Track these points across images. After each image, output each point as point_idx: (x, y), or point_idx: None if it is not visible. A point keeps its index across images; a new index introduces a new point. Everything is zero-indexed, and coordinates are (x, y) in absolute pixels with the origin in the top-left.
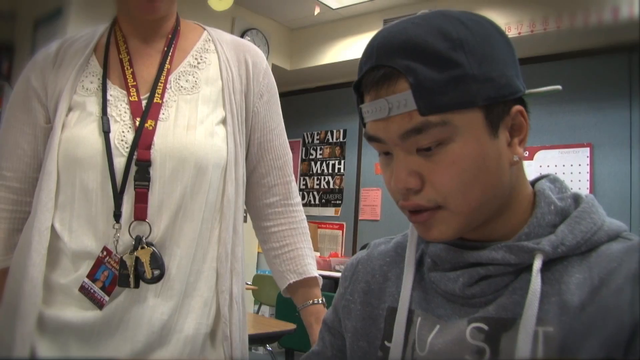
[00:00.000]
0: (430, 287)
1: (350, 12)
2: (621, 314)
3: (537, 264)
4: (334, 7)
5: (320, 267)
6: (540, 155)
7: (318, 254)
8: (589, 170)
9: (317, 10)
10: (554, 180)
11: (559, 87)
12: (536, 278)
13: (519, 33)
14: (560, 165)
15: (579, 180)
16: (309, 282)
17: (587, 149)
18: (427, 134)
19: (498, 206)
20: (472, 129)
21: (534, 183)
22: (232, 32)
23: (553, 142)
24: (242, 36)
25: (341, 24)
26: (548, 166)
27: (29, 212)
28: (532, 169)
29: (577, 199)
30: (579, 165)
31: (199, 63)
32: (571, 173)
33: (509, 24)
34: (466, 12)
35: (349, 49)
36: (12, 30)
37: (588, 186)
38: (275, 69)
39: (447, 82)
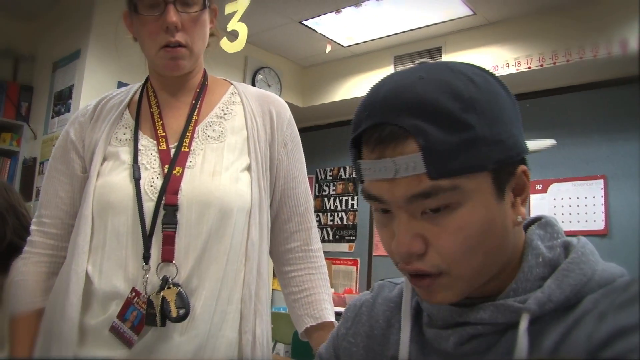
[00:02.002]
0: (427, 343)
1: (361, 50)
2: (579, 350)
3: (523, 324)
4: (345, 45)
5: (335, 304)
6: (554, 188)
7: (333, 290)
8: (603, 202)
9: (328, 48)
10: (545, 225)
11: (553, 141)
12: (522, 338)
13: (529, 67)
14: (575, 198)
15: (594, 213)
16: (326, 326)
17: (601, 181)
18: (435, 198)
19: (500, 267)
20: (481, 193)
21: (526, 228)
22: (244, 71)
23: (566, 174)
24: (254, 74)
25: (352, 61)
26: (562, 199)
27: (64, 257)
28: (545, 201)
29: (567, 247)
30: (594, 197)
31: (225, 114)
32: (585, 205)
33: (519, 59)
34: (471, 65)
35: (361, 86)
36: (32, 72)
37: (603, 218)
38: (288, 107)
39: (458, 145)
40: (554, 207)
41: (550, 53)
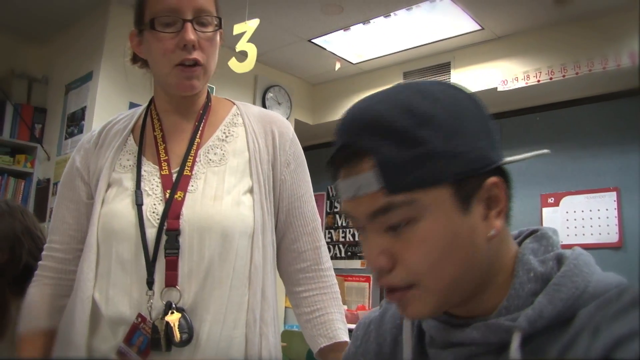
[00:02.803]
0: None
1: (370, 66)
2: None
3: (515, 344)
4: (354, 62)
5: (348, 320)
6: (566, 201)
7: (345, 307)
8: (617, 214)
9: (337, 66)
10: (540, 237)
11: (547, 151)
12: (514, 358)
13: (538, 81)
14: (587, 211)
15: (607, 225)
16: (340, 346)
17: (614, 193)
18: (394, 214)
19: (478, 281)
20: (441, 205)
21: (522, 240)
22: (254, 89)
23: (579, 187)
24: (265, 93)
25: (362, 78)
26: (575, 212)
27: (73, 280)
28: (558, 215)
29: (560, 259)
30: (607, 210)
31: (227, 137)
32: (599, 218)
33: (528, 72)
34: (442, 83)
35: None
36: (45, 94)
37: (617, 231)
38: (298, 124)
39: (411, 161)
40: (567, 220)
41: (559, 66)
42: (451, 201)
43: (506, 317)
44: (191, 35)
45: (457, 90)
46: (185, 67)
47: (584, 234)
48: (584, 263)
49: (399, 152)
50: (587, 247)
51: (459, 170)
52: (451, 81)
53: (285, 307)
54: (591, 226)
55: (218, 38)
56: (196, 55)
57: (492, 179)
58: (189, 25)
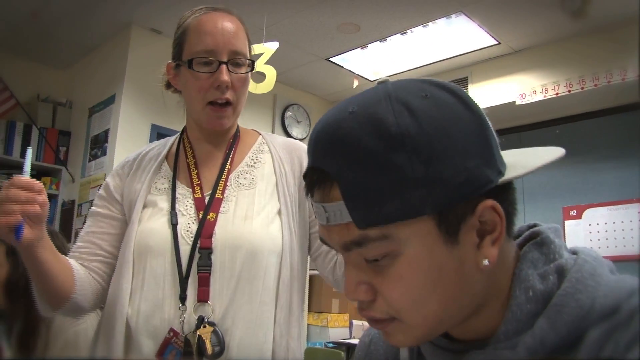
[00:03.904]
0: None
1: None
2: None
3: None
4: (371, 79)
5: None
6: (588, 213)
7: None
8: None
9: (355, 83)
10: (540, 244)
11: (561, 150)
12: None
13: (557, 94)
14: (611, 223)
15: (632, 237)
16: None
17: (637, 205)
18: (369, 248)
19: (470, 309)
20: (422, 239)
21: (522, 245)
22: (273, 108)
23: (601, 199)
24: (284, 112)
25: None
26: (598, 224)
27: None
28: (580, 227)
29: (561, 272)
30: (630, 221)
31: (255, 163)
32: (622, 230)
33: (546, 85)
34: (427, 84)
35: None
36: (69, 117)
37: None
38: None
39: (384, 190)
40: (590, 232)
41: (577, 78)
42: (435, 233)
43: (505, 343)
44: (226, 76)
45: (447, 93)
46: (217, 106)
47: (607, 247)
48: (589, 274)
49: (369, 180)
50: (612, 260)
51: (442, 199)
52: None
53: (308, 324)
54: (615, 238)
55: (249, 77)
56: (228, 95)
57: (485, 203)
58: (224, 67)
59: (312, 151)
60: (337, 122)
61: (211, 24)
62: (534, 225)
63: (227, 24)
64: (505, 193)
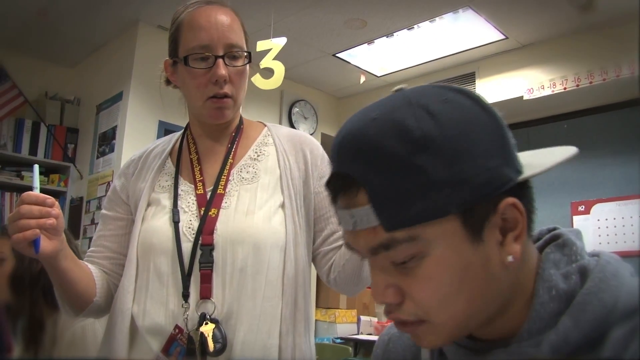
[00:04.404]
0: None
1: (394, 79)
2: None
3: None
4: (378, 75)
5: (377, 332)
6: (597, 208)
7: (376, 319)
8: None
9: (362, 79)
10: (562, 246)
11: (574, 149)
12: None
13: (565, 88)
14: (620, 218)
15: None
16: None
17: None
18: (397, 250)
19: (497, 308)
20: (449, 239)
21: (542, 247)
22: (280, 105)
23: (609, 194)
24: (291, 107)
25: (386, 91)
26: (606, 219)
27: (115, 279)
28: (589, 223)
29: (584, 272)
30: (639, 217)
31: (258, 156)
32: (632, 225)
33: (554, 80)
34: (446, 89)
35: None
36: (77, 115)
37: None
38: (325, 138)
39: (410, 192)
40: (598, 228)
41: (585, 73)
42: (460, 232)
43: (529, 341)
44: (222, 71)
45: (464, 97)
46: (217, 99)
47: (616, 242)
48: (611, 274)
49: (395, 183)
50: (620, 255)
51: (466, 199)
52: (476, 91)
53: (316, 320)
54: (624, 234)
55: (247, 69)
56: (227, 89)
57: (507, 201)
58: (220, 61)
59: (337, 158)
60: (361, 128)
61: (204, 18)
62: (554, 229)
63: (221, 17)
64: (523, 191)
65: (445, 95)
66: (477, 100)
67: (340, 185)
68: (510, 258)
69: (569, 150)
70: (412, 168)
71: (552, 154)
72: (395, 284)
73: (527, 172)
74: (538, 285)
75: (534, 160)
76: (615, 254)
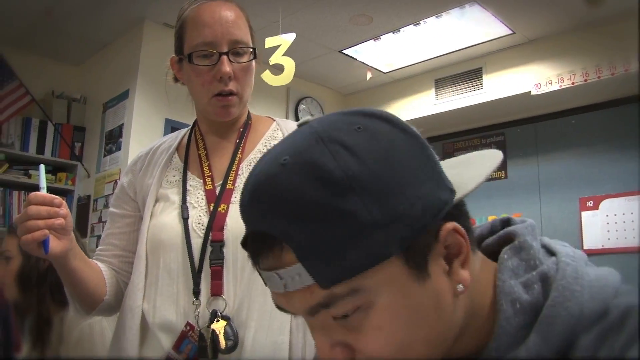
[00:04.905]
0: None
1: (401, 75)
2: None
3: None
4: (385, 71)
5: None
6: (605, 204)
7: None
8: None
9: (369, 75)
10: (518, 250)
11: (499, 154)
12: None
13: (572, 83)
14: (629, 214)
15: None
16: None
17: None
18: (337, 307)
19: (456, 334)
20: (393, 283)
21: (499, 247)
22: (287, 102)
23: (618, 190)
24: (297, 104)
25: (393, 87)
26: (615, 215)
27: (124, 278)
28: (597, 219)
29: (545, 280)
30: None
31: (267, 149)
32: None
33: (561, 75)
34: (355, 116)
35: (402, 110)
36: (83, 113)
37: None
38: None
39: (342, 242)
40: (607, 223)
41: (594, 67)
42: (404, 272)
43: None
44: (227, 67)
45: (379, 122)
46: (222, 96)
47: (625, 238)
48: (572, 278)
49: (323, 234)
50: (628, 251)
51: (404, 236)
52: (483, 87)
53: None
54: (633, 229)
55: (253, 65)
56: (231, 86)
57: (446, 227)
58: (224, 58)
59: (248, 216)
60: (271, 177)
61: (208, 14)
62: (508, 221)
63: (225, 13)
64: (458, 210)
65: (358, 122)
66: (393, 122)
67: (259, 247)
68: (460, 287)
69: (496, 156)
70: (340, 214)
71: (479, 163)
72: (342, 341)
73: (459, 192)
74: (500, 299)
75: (463, 173)
76: (620, 249)
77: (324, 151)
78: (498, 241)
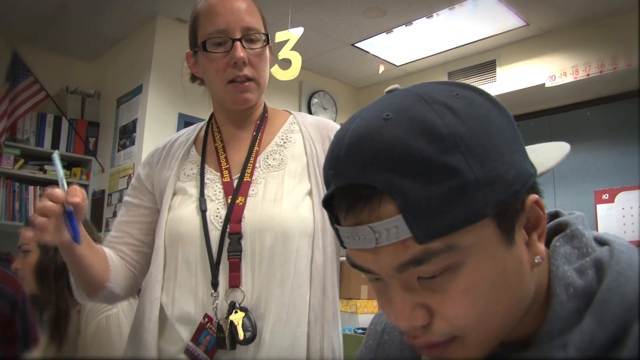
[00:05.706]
0: None
1: (414, 68)
2: None
3: None
4: (397, 64)
5: None
6: (621, 197)
7: None
8: None
9: (381, 69)
10: (571, 238)
11: (567, 146)
12: None
13: (588, 75)
14: None
15: None
16: None
17: None
18: (431, 264)
19: (524, 312)
20: (485, 244)
21: (548, 238)
22: (300, 95)
23: (634, 182)
24: (310, 98)
25: (406, 80)
26: (631, 207)
27: (136, 270)
28: (613, 212)
29: (599, 266)
30: None
31: (285, 142)
32: None
33: (576, 67)
34: (447, 85)
35: None
36: (97, 108)
37: None
38: None
39: (445, 197)
40: (623, 217)
41: (609, 59)
42: (496, 235)
43: (551, 344)
44: (240, 53)
45: (473, 93)
46: (238, 83)
47: None
48: (627, 265)
49: (428, 188)
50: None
51: (501, 198)
52: (496, 79)
53: (341, 311)
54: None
55: (267, 53)
56: (247, 71)
57: (531, 198)
58: (238, 44)
59: (344, 168)
60: (375, 130)
61: (221, 5)
62: (556, 214)
63: (238, 3)
64: (537, 187)
65: (454, 90)
66: (486, 95)
67: (354, 200)
68: (538, 259)
69: (564, 148)
70: (447, 170)
71: (548, 151)
72: (423, 303)
73: (539, 168)
74: (554, 284)
75: (533, 158)
76: (636, 242)
77: (429, 109)
78: (548, 232)
